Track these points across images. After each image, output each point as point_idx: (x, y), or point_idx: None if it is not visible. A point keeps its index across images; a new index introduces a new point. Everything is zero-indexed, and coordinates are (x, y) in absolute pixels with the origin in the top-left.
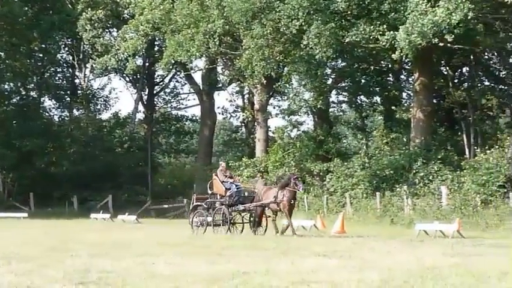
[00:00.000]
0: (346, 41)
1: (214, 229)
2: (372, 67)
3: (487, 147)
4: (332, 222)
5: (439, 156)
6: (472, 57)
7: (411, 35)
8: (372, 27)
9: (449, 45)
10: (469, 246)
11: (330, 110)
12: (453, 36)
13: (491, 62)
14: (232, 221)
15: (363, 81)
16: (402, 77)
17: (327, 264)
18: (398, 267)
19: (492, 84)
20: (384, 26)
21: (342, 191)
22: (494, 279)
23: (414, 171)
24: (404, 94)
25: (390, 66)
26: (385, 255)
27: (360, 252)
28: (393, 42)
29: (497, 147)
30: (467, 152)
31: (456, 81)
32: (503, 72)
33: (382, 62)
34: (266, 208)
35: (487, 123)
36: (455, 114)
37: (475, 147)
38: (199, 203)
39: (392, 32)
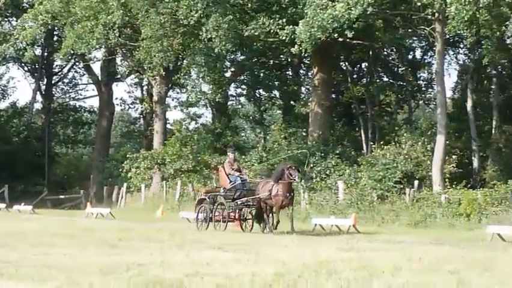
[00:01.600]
0: (245, 34)
1: (215, 225)
2: (271, 61)
3: (383, 143)
4: None
5: (337, 151)
6: (371, 53)
7: (310, 29)
8: (271, 20)
9: (348, 40)
10: (364, 241)
11: (229, 103)
12: (352, 31)
13: (390, 58)
14: (243, 217)
15: (262, 75)
16: (301, 71)
17: (222, 257)
18: (293, 261)
19: (390, 81)
20: (284, 20)
21: None
22: (387, 274)
23: (311, 166)
24: (303, 89)
25: (289, 60)
26: (281, 249)
27: (256, 246)
28: (292, 36)
29: (394, 143)
30: (364, 148)
31: (355, 76)
32: (402, 69)
33: (281, 56)
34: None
35: (384, 119)
36: (354, 110)
37: (372, 143)
38: (204, 197)
39: (291, 26)
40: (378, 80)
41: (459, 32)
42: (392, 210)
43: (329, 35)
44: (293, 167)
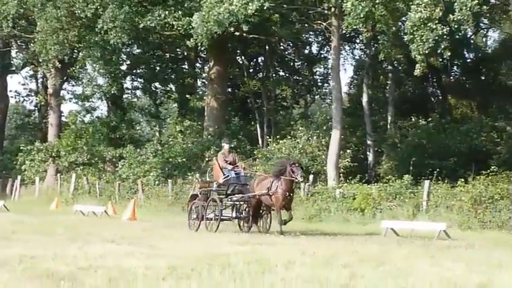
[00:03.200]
0: (141, 25)
1: (206, 224)
2: (167, 54)
3: (279, 137)
4: (124, 209)
5: (232, 145)
6: (267, 47)
7: (207, 23)
8: (167, 12)
9: (244, 34)
10: (258, 234)
11: (125, 96)
12: (249, 25)
13: (287, 52)
14: (241, 215)
15: (158, 68)
16: (197, 65)
17: (116, 251)
18: (186, 254)
19: (287, 75)
20: (180, 13)
21: (135, 178)
22: (281, 268)
23: (206, 159)
24: (199, 82)
25: (185, 54)
26: (175, 243)
27: (150, 239)
28: (188, 29)
29: (289, 137)
30: (260, 142)
31: (251, 70)
32: (298, 63)
33: (178, 49)
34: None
35: (280, 113)
36: (250, 104)
37: (268, 137)
38: (197, 193)
39: (187, 19)
40: (274, 75)
41: (355, 27)
42: None
43: (225, 29)
44: (296, 164)
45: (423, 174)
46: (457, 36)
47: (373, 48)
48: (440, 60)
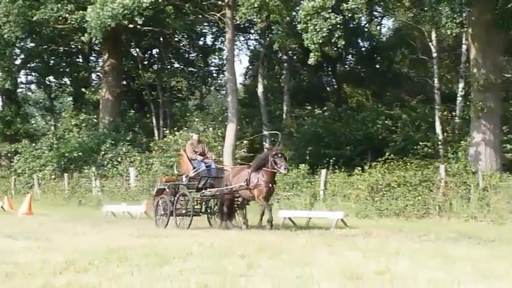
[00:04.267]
0: (34, 18)
1: (176, 220)
2: (61, 48)
3: (175, 129)
4: (20, 204)
5: (128, 138)
6: (161, 39)
7: (100, 16)
8: (60, 6)
9: (139, 27)
10: (155, 227)
11: (19, 90)
12: (143, 18)
13: (181, 44)
14: (210, 210)
15: (52, 62)
16: (91, 58)
17: (13, 245)
18: (84, 248)
19: (182, 66)
20: (73, 6)
21: (30, 172)
22: (178, 260)
23: (102, 153)
24: (94, 75)
25: (79, 47)
26: (72, 237)
27: (47, 234)
28: (82, 22)
29: (186, 128)
30: (156, 134)
31: (146, 63)
32: (193, 55)
33: (72, 43)
34: (236, 196)
35: (176, 105)
36: (145, 96)
37: (164, 129)
38: (163, 187)
39: (81, 12)
40: (169, 66)
41: (249, 18)
42: None
43: (119, 22)
44: (279, 154)
45: (319, 163)
46: (351, 25)
47: (268, 39)
48: (335, 49)
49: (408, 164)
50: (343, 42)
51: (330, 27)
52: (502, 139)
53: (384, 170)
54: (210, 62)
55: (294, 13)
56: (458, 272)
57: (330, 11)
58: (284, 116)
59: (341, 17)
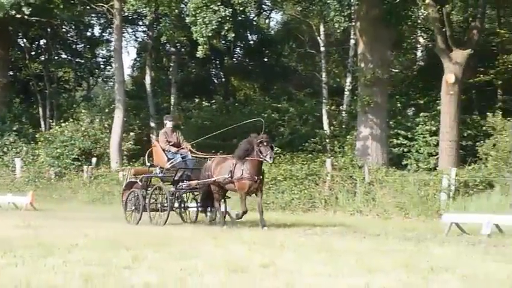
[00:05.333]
0: None
1: (150, 216)
2: None
3: (62, 120)
4: None
5: (14, 129)
6: (49, 30)
7: None
8: None
9: (26, 17)
10: (41, 218)
11: None
12: (30, 8)
13: (69, 35)
14: (184, 205)
15: None
16: None
17: None
18: None
19: (69, 57)
20: None
21: None
22: (63, 251)
23: None
24: None
25: None
26: None
27: None
28: None
29: (72, 120)
30: (42, 125)
31: (33, 53)
32: (80, 46)
33: None
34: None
35: (63, 96)
36: (32, 87)
37: (51, 120)
38: (134, 180)
39: None
40: (56, 57)
41: (138, 9)
42: (70, 188)
43: (6, 12)
44: (265, 142)
45: None
46: (240, 18)
47: (156, 31)
48: (223, 42)
49: (295, 157)
50: (233, 35)
51: (219, 20)
52: (388, 134)
53: (271, 163)
54: (97, 53)
55: (182, 5)
56: (342, 265)
57: (219, 3)
58: (172, 108)
59: (230, 10)
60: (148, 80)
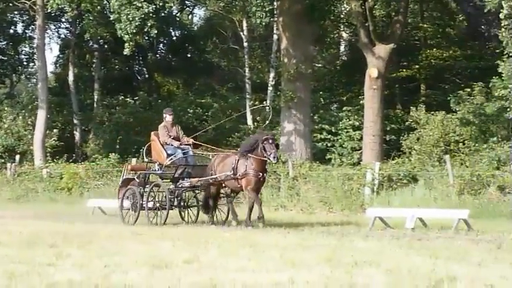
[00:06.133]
0: None
1: (148, 215)
2: None
3: None
4: None
5: None
6: None
7: None
8: None
9: None
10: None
11: None
12: None
13: None
14: (186, 204)
15: None
16: None
17: None
18: None
19: None
20: None
21: None
22: None
23: None
24: None
25: None
26: None
27: None
28: None
29: None
30: None
31: None
32: (3, 43)
33: None
34: (223, 185)
35: None
36: None
37: None
38: (131, 176)
39: None
40: None
41: (60, 6)
42: None
43: None
44: (270, 140)
45: (129, 151)
46: (163, 15)
47: (79, 27)
48: (146, 38)
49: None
50: (155, 32)
51: (142, 16)
52: (312, 129)
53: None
54: (20, 50)
55: (105, 2)
56: (266, 260)
57: (142, 0)
58: (95, 105)
59: (153, 6)
60: (71, 76)
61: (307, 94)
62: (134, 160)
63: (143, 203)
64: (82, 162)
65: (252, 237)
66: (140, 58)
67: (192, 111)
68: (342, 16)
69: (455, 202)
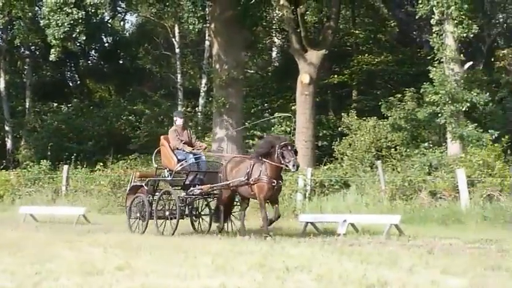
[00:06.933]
0: None
1: (157, 224)
2: None
3: None
4: None
5: None
6: None
7: None
8: None
9: None
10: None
11: None
12: None
13: None
14: (197, 212)
15: None
16: None
17: None
18: None
19: None
20: None
21: None
22: None
23: None
24: None
25: None
26: None
27: None
28: None
29: None
30: None
31: None
32: None
33: None
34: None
35: None
36: None
37: None
38: (140, 183)
39: None
40: None
41: None
42: None
43: None
44: (289, 147)
45: (61, 158)
46: (95, 21)
47: (10, 33)
48: (78, 44)
49: (150, 159)
50: (84, 38)
51: (72, 22)
52: (244, 135)
53: (126, 165)
54: None
55: (36, 8)
56: (198, 266)
57: (72, 6)
58: (27, 112)
59: (84, 12)
60: (2, 83)
61: (239, 100)
62: (65, 167)
63: (152, 211)
64: (14, 169)
65: (184, 244)
66: (72, 64)
67: (124, 117)
68: (274, 22)
69: (387, 207)
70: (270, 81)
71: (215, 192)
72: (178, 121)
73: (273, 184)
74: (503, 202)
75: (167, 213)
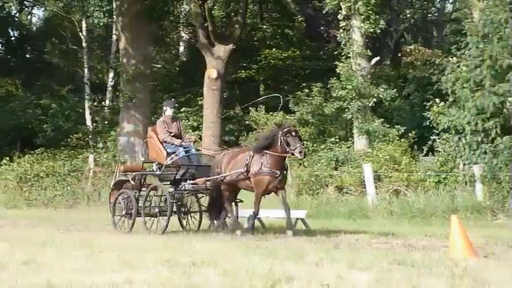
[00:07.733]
0: None
1: (145, 222)
2: None
3: None
4: None
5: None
6: None
7: None
8: None
9: None
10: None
11: None
12: None
13: None
14: (187, 209)
15: None
16: None
17: None
18: None
19: None
20: None
21: None
22: None
23: None
24: None
25: None
26: None
27: None
28: None
29: None
30: None
31: None
32: None
33: None
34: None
35: None
36: None
37: None
38: (125, 178)
39: None
40: None
41: None
42: None
43: None
44: (293, 132)
45: None
46: (1, 14)
47: None
48: None
49: (57, 154)
50: None
51: None
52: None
53: (33, 160)
54: None
55: None
56: (104, 261)
57: None
58: None
59: None
60: None
61: (147, 94)
62: None
63: (140, 208)
64: None
65: (89, 239)
66: None
67: (31, 111)
68: (181, 16)
69: (294, 202)
70: (178, 76)
71: (208, 187)
72: (168, 111)
73: (276, 176)
74: (409, 197)
75: (156, 210)
